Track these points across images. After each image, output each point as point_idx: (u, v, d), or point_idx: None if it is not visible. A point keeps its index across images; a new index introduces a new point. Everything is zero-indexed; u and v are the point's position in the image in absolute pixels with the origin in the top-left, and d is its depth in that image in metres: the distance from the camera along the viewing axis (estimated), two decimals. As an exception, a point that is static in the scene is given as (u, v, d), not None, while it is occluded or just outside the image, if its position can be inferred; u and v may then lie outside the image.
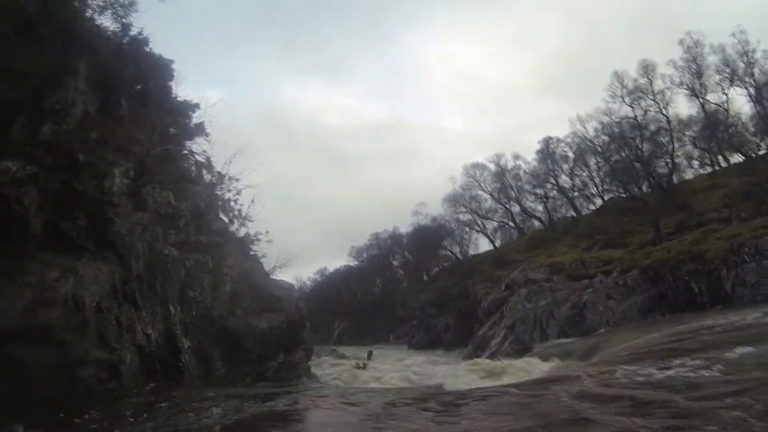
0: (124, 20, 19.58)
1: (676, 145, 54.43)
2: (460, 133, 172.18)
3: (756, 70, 52.44)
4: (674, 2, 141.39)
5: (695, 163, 56.96)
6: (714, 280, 31.50)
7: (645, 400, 10.03)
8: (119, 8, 19.35)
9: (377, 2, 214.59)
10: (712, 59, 53.31)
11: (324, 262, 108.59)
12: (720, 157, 54.82)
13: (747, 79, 52.54)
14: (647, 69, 55.34)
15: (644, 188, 55.65)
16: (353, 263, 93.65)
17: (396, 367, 30.25)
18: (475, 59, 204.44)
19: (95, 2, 18.95)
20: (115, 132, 16.37)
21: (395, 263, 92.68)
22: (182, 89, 21.57)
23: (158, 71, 20.42)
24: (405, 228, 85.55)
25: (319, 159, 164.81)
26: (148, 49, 20.22)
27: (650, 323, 29.78)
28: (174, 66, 21.10)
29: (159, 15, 23.31)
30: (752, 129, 52.41)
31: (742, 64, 52.35)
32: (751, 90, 52.70)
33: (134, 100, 18.76)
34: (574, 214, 67.87)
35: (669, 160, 53.80)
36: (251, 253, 23.18)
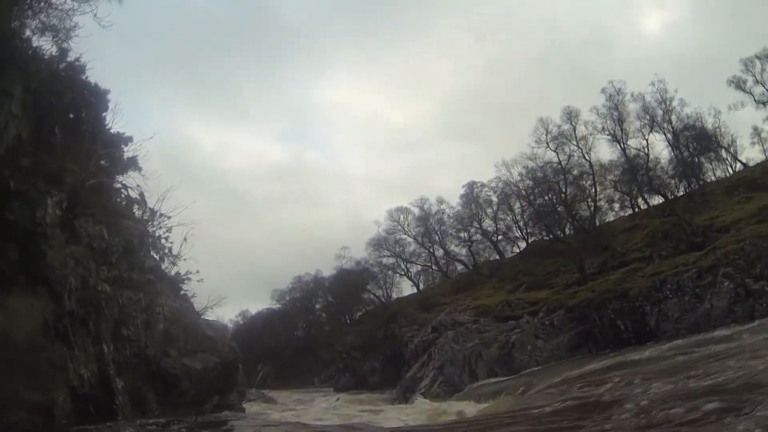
0: (63, 44, 18.94)
1: (598, 189, 56.06)
2: (363, 176, 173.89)
3: (674, 117, 54.78)
4: (568, 48, 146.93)
5: (616, 205, 58.71)
6: (638, 316, 32.31)
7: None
8: (59, 31, 18.72)
9: (280, 48, 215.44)
10: (632, 106, 55.33)
11: (246, 305, 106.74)
12: (640, 200, 56.50)
13: (665, 125, 54.64)
14: (571, 115, 57.02)
15: (567, 230, 56.79)
16: (275, 306, 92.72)
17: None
18: (375, 104, 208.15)
19: (34, 23, 18.33)
20: (48, 160, 15.68)
21: (318, 306, 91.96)
22: (118, 121, 20.89)
23: (94, 100, 19.72)
24: (328, 271, 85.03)
25: (223, 201, 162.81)
26: (84, 77, 19.54)
27: (578, 360, 30.14)
28: (109, 96, 20.44)
29: (94, 42, 22.55)
30: (670, 172, 54.38)
31: (660, 111, 54.42)
32: (669, 135, 54.87)
33: (68, 128, 18.00)
34: (498, 257, 68.63)
35: (591, 203, 55.12)
36: (182, 292, 22.57)
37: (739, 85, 56.27)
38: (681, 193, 52.40)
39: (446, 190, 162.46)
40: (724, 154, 59.92)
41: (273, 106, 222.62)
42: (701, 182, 55.23)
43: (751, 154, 60.41)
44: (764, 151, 59.07)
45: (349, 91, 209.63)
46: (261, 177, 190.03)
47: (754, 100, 56.22)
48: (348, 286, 78.86)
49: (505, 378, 32.18)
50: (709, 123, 57.52)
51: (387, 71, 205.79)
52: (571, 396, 15.37)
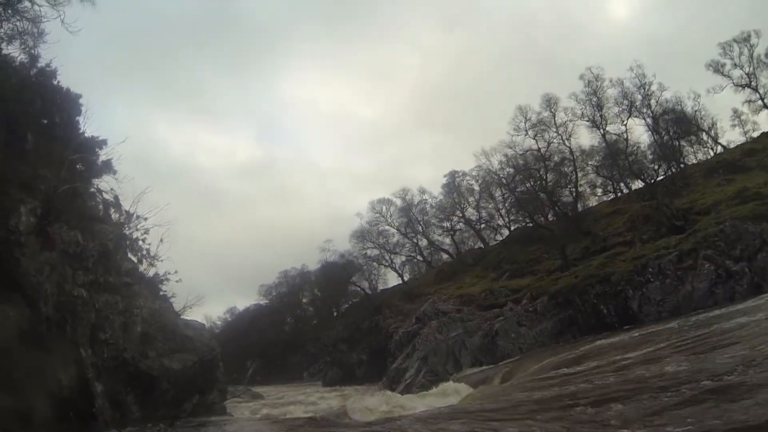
0: (33, 51, 18.87)
1: (579, 175, 56.04)
2: (338, 170, 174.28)
3: (653, 102, 54.94)
4: (538, 38, 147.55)
5: (598, 190, 58.71)
6: (621, 300, 32.47)
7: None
8: (28, 38, 18.66)
9: (246, 46, 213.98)
10: (611, 92, 55.50)
11: (234, 302, 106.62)
12: (621, 185, 56.65)
13: (644, 110, 54.86)
14: (550, 102, 57.07)
15: (550, 217, 56.86)
16: (263, 302, 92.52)
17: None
18: (345, 98, 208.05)
19: (3, 31, 18.26)
20: (21, 168, 15.64)
21: (305, 300, 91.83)
22: (90, 125, 20.85)
23: (66, 105, 19.64)
24: (312, 265, 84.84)
25: (199, 201, 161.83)
26: (56, 82, 19.48)
27: (561, 346, 30.38)
28: (82, 101, 20.37)
29: (62, 47, 22.44)
30: (650, 156, 54.49)
31: (639, 97, 54.66)
32: (649, 120, 55.06)
33: (40, 134, 17.97)
34: (482, 246, 68.76)
35: (573, 189, 55.20)
36: (161, 293, 22.56)
37: (717, 68, 56.70)
38: (661, 177, 52.55)
39: (424, 180, 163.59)
40: (704, 137, 60.21)
41: (242, 104, 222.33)
42: (682, 166, 55.44)
43: (732, 137, 60.90)
44: (744, 133, 59.46)
45: (318, 87, 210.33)
46: (234, 175, 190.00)
47: (733, 83, 56.68)
48: (333, 280, 78.81)
49: (489, 367, 32.30)
50: (689, 107, 57.87)
51: (356, 65, 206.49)
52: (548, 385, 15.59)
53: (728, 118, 60.52)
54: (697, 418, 8.36)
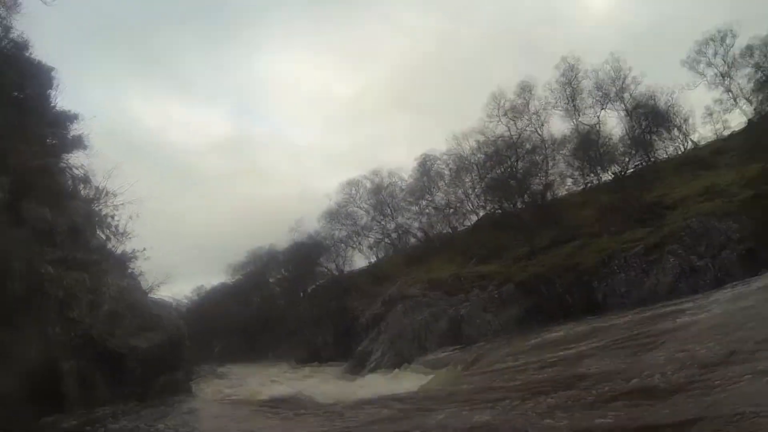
0: (5, 22, 18.54)
1: (550, 164, 56.27)
2: (313, 149, 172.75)
3: (627, 95, 55.36)
4: (517, 24, 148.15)
5: (569, 180, 58.92)
6: (586, 290, 32.87)
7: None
8: (2, 9, 18.34)
9: (222, 21, 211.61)
10: (586, 83, 55.80)
11: (202, 280, 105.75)
12: (592, 175, 56.98)
13: (618, 102, 55.32)
14: (525, 90, 57.14)
15: (519, 205, 57.06)
16: (230, 281, 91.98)
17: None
18: (322, 77, 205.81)
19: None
20: (-9, 142, 15.46)
21: (272, 280, 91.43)
22: (62, 99, 20.56)
23: (38, 78, 19.36)
24: (282, 245, 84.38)
25: (171, 176, 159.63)
26: (27, 54, 19.17)
27: (525, 333, 30.65)
28: (54, 74, 20.08)
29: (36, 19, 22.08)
30: (622, 149, 54.83)
31: (614, 89, 55.06)
32: (622, 113, 55.45)
33: (12, 108, 17.69)
34: (450, 230, 68.89)
35: (543, 178, 55.44)
36: (129, 270, 22.44)
37: (692, 66, 57.03)
38: (631, 170, 52.92)
39: (399, 161, 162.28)
40: (677, 132, 60.64)
41: (217, 80, 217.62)
42: (653, 159, 55.89)
43: (704, 132, 61.25)
44: (715, 130, 59.93)
45: (295, 65, 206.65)
46: (208, 151, 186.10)
47: (707, 81, 57.15)
48: (302, 260, 78.57)
49: (452, 351, 32.60)
50: (663, 101, 58.21)
51: (333, 43, 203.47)
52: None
53: (701, 114, 60.89)
54: (614, 414, 9.39)
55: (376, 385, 26.75)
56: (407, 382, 25.40)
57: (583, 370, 14.02)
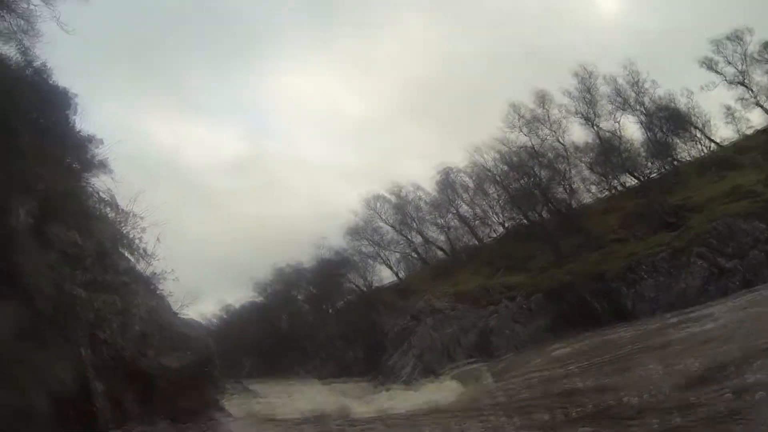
0: (29, 51, 18.91)
1: (573, 171, 56.29)
2: (328, 164, 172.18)
3: (646, 99, 55.23)
4: (525, 31, 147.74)
5: (592, 187, 58.68)
6: (615, 297, 32.65)
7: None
8: (24, 37, 18.69)
9: (231, 40, 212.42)
10: (604, 89, 55.75)
11: (227, 297, 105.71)
12: (615, 182, 56.67)
13: (638, 107, 55.13)
14: (543, 99, 57.15)
15: (544, 214, 56.84)
16: (258, 299, 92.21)
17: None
18: (333, 90, 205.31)
19: (-1, 30, 18.29)
20: (18, 167, 15.67)
21: (300, 297, 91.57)
22: (84, 123, 20.84)
23: (62, 104, 19.67)
24: (306, 260, 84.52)
25: (188, 197, 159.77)
26: (52, 81, 19.52)
27: (555, 343, 30.51)
28: (77, 100, 20.40)
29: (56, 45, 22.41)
30: (644, 154, 54.58)
31: (633, 94, 54.92)
32: (642, 117, 55.23)
33: (37, 133, 17.98)
34: (476, 242, 68.77)
35: (567, 186, 55.27)
36: (158, 291, 22.59)
37: (710, 66, 56.69)
38: (654, 175, 52.67)
39: (414, 173, 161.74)
40: (698, 134, 60.12)
41: (228, 99, 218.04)
42: (675, 162, 55.54)
43: (725, 133, 60.78)
44: (737, 130, 59.39)
45: (306, 80, 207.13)
46: (222, 171, 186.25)
47: (726, 81, 56.67)
48: (328, 277, 78.70)
49: (482, 364, 32.50)
50: (682, 104, 57.92)
51: (344, 58, 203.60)
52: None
53: (721, 114, 60.36)
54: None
55: (408, 398, 26.75)
56: (438, 394, 25.37)
57: (607, 380, 14.23)
